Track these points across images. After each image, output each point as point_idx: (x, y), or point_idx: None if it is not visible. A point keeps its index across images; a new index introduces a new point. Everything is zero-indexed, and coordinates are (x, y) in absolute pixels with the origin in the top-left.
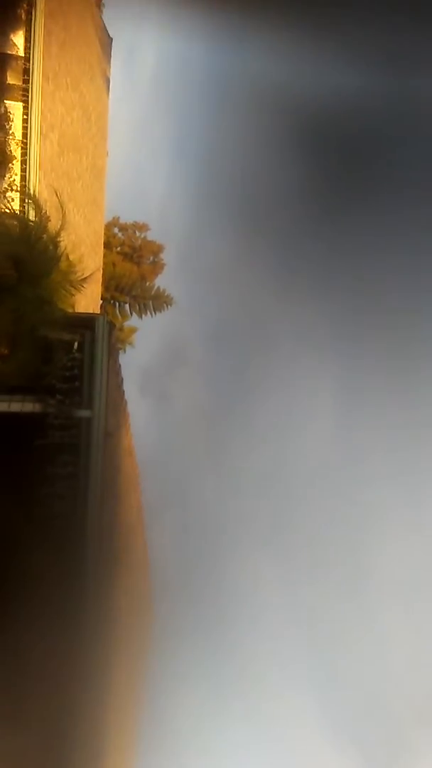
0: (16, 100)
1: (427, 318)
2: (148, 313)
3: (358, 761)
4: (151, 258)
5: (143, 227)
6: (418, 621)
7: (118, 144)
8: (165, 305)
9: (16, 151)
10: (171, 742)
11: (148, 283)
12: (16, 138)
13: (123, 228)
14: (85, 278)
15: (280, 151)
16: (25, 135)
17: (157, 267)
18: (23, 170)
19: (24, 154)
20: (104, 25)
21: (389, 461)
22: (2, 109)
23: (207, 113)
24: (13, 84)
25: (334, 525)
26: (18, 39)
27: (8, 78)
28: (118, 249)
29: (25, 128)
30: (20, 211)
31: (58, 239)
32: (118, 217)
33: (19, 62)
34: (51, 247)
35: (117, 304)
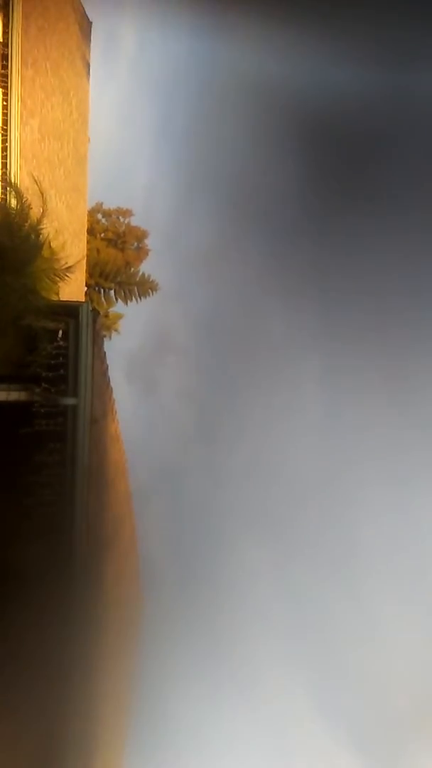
0: None
1: (423, 315)
2: (134, 299)
3: (355, 751)
4: (136, 244)
5: (127, 213)
6: (414, 609)
7: (100, 129)
8: (150, 291)
9: None
10: (163, 730)
11: (132, 269)
12: None
13: (106, 214)
14: (69, 267)
15: (266, 134)
16: (5, 122)
17: (141, 253)
18: (3, 157)
19: (4, 141)
20: (83, 9)
21: (384, 453)
22: None
23: (190, 96)
24: None
25: (323, 511)
26: None
27: None
28: (102, 235)
29: (4, 115)
30: (1, 198)
31: (40, 227)
32: (102, 203)
33: None
34: (33, 235)
35: (102, 290)
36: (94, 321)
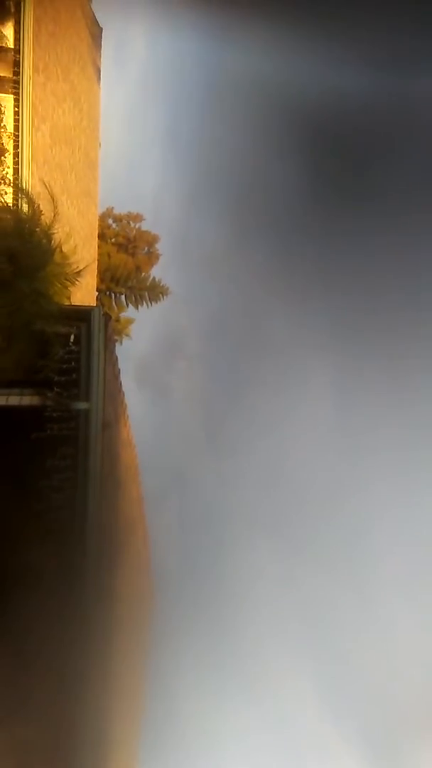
0: (7, 93)
1: (426, 315)
2: (144, 303)
3: (362, 748)
4: (146, 248)
5: (137, 218)
6: (420, 607)
7: (110, 134)
8: (161, 296)
9: (8, 143)
10: (174, 731)
11: (143, 274)
12: (8, 131)
13: (117, 219)
14: (80, 271)
15: (275, 140)
16: (16, 127)
17: (152, 257)
18: (15, 163)
19: (16, 146)
20: (94, 15)
21: (389, 452)
22: None
23: (200, 102)
24: (3, 76)
25: (334, 515)
26: (7, 30)
27: None
28: (113, 240)
29: (16, 120)
30: (13, 204)
31: (52, 232)
32: (112, 208)
33: (9, 54)
34: (45, 240)
35: (113, 295)
36: (106, 325)
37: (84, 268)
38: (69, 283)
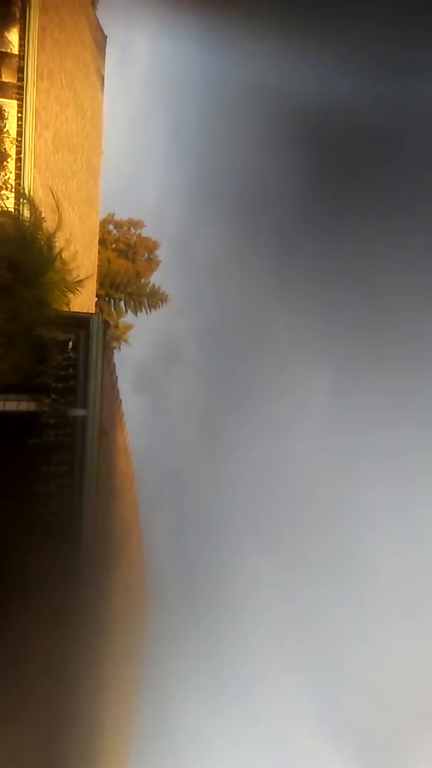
0: (11, 98)
1: (427, 318)
2: (144, 310)
3: (356, 757)
4: (147, 255)
5: (138, 224)
6: (417, 615)
7: (113, 141)
8: (160, 302)
9: (10, 149)
10: (167, 737)
11: (143, 280)
12: (11, 136)
13: (118, 225)
14: (81, 281)
15: (277, 148)
16: (19, 133)
17: (152, 264)
18: (18, 168)
19: (19, 152)
20: (98, 22)
21: (387, 457)
22: None
23: (202, 110)
24: (7, 82)
25: (331, 521)
26: (12, 36)
27: (2, 76)
28: (113, 246)
29: (19, 126)
30: (15, 210)
31: (54, 239)
32: (113, 214)
33: (13, 60)
34: (46, 248)
35: (112, 301)
36: (105, 332)
37: (85, 278)
38: (69, 291)
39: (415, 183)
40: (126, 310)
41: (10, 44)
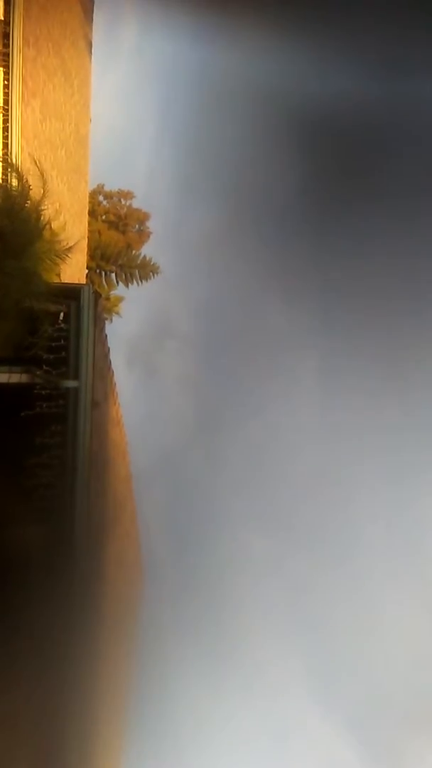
0: None
1: (422, 310)
2: (135, 282)
3: (357, 745)
4: (137, 226)
5: (128, 195)
6: (415, 601)
7: (102, 110)
8: (152, 274)
9: None
10: (161, 721)
11: (134, 252)
12: None
13: (108, 196)
14: (70, 248)
15: (267, 122)
16: (6, 102)
17: (143, 235)
18: (5, 138)
19: (5, 121)
20: None
21: (377, 434)
22: None
23: (195, 79)
24: None
25: (322, 497)
26: None
27: None
28: (103, 217)
29: (6, 95)
30: (2, 179)
31: (41, 208)
32: (103, 185)
33: None
34: (34, 217)
35: (103, 273)
36: (96, 303)
37: (74, 245)
38: (58, 260)
39: (412, 179)
40: (117, 282)
41: None
